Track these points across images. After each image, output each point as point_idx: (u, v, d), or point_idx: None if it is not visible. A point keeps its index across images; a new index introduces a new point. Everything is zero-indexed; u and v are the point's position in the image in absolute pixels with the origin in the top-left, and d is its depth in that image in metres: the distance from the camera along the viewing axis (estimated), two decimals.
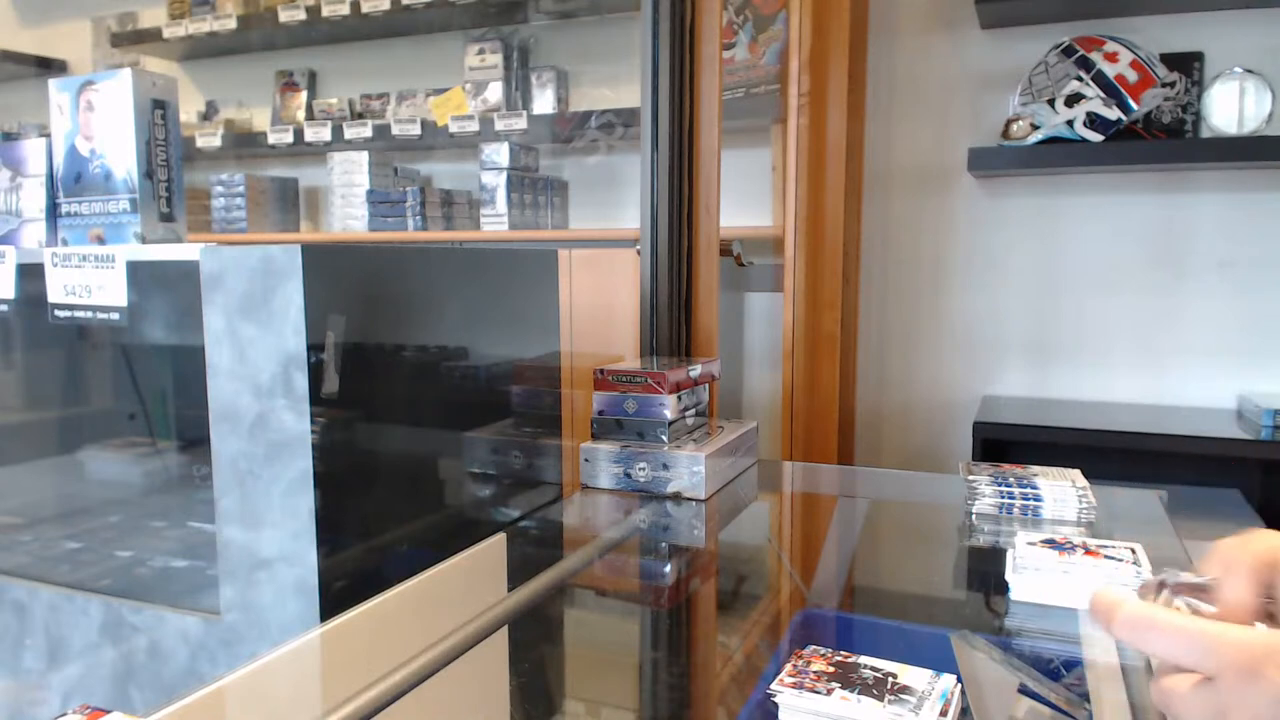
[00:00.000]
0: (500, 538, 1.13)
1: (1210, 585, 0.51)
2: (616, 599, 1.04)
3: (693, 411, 1.41)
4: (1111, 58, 2.15)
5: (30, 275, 1.10)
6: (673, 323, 1.59)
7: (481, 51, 2.97)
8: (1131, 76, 2.12)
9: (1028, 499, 1.16)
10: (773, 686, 0.64)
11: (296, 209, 3.39)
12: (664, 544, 1.16)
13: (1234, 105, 2.14)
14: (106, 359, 1.40)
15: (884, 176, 2.52)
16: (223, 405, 0.95)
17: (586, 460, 1.30)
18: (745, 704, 0.76)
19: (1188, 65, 2.20)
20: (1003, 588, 0.92)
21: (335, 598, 0.93)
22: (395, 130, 3.02)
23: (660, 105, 1.55)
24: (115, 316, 1.03)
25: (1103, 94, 2.13)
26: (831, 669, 0.67)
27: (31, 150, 1.14)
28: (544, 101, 2.93)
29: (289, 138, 3.16)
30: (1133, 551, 0.93)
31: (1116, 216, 2.32)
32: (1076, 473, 1.21)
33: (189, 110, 3.50)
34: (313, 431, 0.91)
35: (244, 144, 3.33)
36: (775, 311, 2.29)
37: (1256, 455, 2.01)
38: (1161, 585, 0.53)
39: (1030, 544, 0.95)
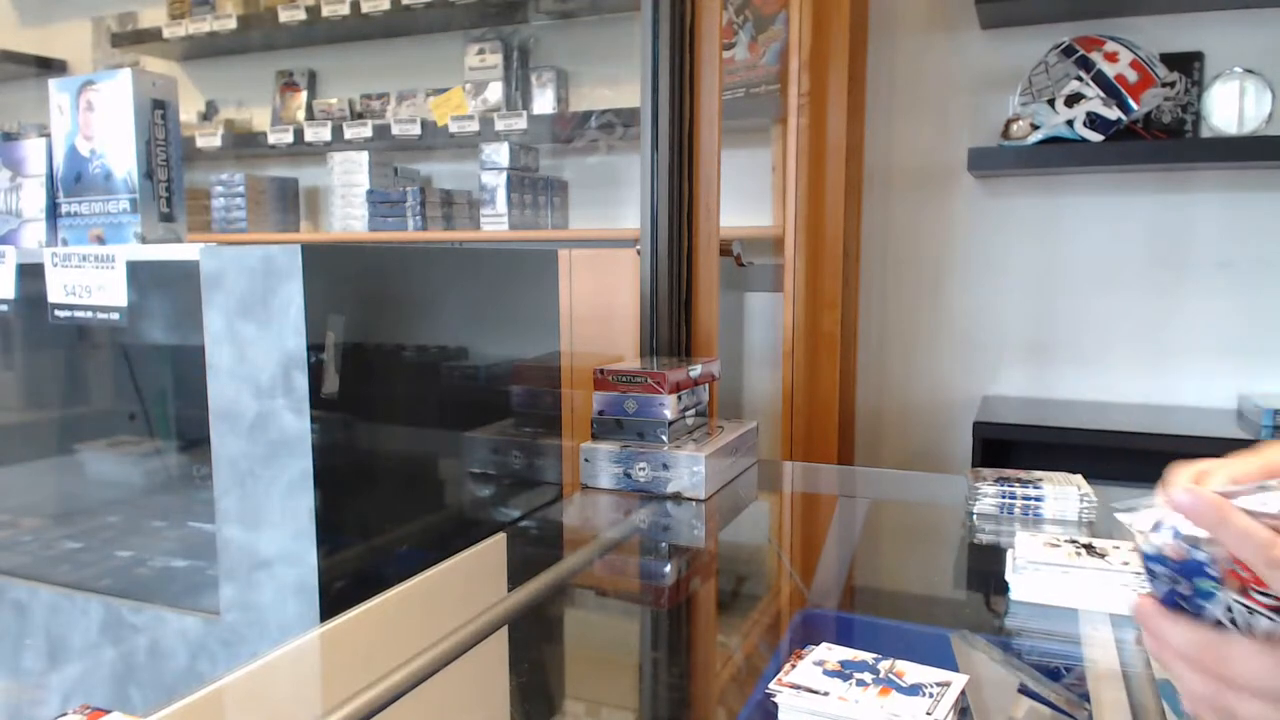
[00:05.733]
0: (500, 538, 1.13)
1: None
2: (616, 599, 1.04)
3: (693, 411, 1.41)
4: (1111, 58, 2.15)
5: (30, 275, 1.10)
6: (673, 323, 1.58)
7: (481, 51, 2.97)
8: (1131, 76, 2.12)
9: (1029, 499, 1.16)
10: (772, 686, 0.64)
11: (296, 209, 3.39)
12: (664, 544, 1.16)
13: (1234, 105, 2.14)
14: (106, 359, 1.40)
15: (884, 176, 2.52)
16: (223, 405, 0.95)
17: (586, 460, 1.30)
18: (745, 704, 0.76)
19: (1188, 65, 2.20)
20: (1003, 588, 0.92)
21: (335, 598, 0.93)
22: (395, 130, 3.02)
23: (660, 105, 1.55)
24: (115, 316, 1.03)
25: (1103, 94, 2.13)
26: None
27: (31, 150, 1.14)
28: (544, 101, 2.93)
29: (289, 138, 3.16)
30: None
31: (1116, 216, 2.32)
32: (1079, 478, 1.21)
33: (189, 110, 3.50)
34: (313, 431, 0.91)
35: (244, 144, 3.32)
36: (775, 311, 2.29)
37: None
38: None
39: (1030, 544, 0.95)
